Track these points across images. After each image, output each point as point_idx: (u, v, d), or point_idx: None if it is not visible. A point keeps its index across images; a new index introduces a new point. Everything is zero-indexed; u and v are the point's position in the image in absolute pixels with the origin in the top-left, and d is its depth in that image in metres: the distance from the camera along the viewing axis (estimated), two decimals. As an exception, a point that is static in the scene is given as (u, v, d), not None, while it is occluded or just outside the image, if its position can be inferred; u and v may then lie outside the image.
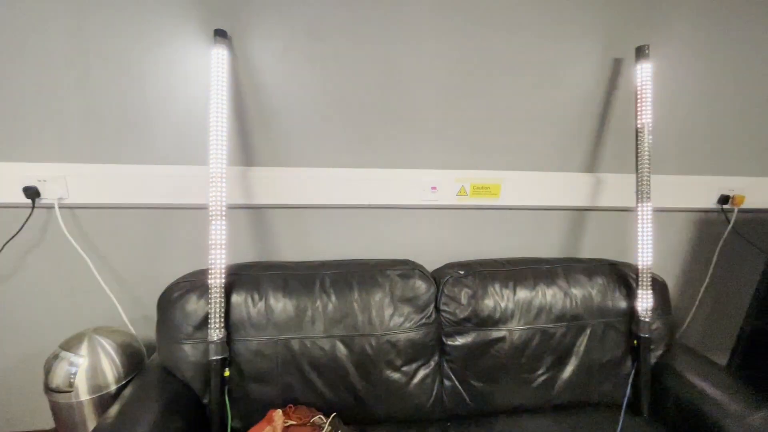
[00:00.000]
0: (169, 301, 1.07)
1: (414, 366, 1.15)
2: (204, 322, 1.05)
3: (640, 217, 1.20)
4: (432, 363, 1.17)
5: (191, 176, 1.16)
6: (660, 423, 1.20)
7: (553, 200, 1.36)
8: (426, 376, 1.16)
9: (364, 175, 1.26)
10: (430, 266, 1.31)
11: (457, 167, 1.31)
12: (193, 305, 1.06)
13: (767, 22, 1.29)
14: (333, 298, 1.11)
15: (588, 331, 1.22)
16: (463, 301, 1.18)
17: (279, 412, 0.98)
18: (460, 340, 1.17)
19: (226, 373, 1.03)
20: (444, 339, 1.18)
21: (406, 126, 1.24)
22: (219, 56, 1.02)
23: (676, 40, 1.27)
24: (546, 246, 1.44)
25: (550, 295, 1.21)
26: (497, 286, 1.20)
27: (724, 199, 1.43)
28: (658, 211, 1.44)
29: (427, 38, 1.16)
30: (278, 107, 1.16)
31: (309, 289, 1.11)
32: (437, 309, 1.19)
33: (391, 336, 1.12)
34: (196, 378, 1.05)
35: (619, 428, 1.14)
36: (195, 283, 1.09)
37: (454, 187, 1.30)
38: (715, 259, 1.52)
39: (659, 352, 1.27)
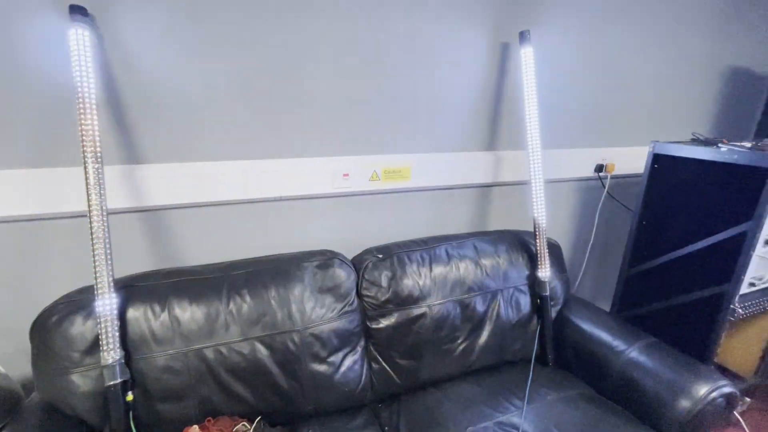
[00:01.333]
0: (45, 328, 0.91)
1: (341, 355, 1.14)
2: (95, 346, 0.92)
3: (533, 189, 1.32)
4: (358, 349, 1.17)
5: (60, 180, 1.00)
6: (563, 369, 1.36)
7: (460, 179, 1.44)
8: (354, 363, 1.16)
9: (272, 165, 1.20)
10: (350, 254, 1.31)
11: (367, 152, 1.31)
12: (79, 328, 0.92)
13: (634, 10, 1.50)
14: (247, 298, 1.05)
15: (499, 297, 1.33)
16: (384, 283, 1.19)
17: (195, 427, 0.91)
18: (383, 322, 1.19)
19: (129, 397, 0.92)
20: (368, 323, 1.19)
21: (312, 113, 1.20)
22: (79, 38, 0.88)
23: (555, 26, 1.41)
24: (457, 222, 1.52)
25: (463, 268, 1.29)
26: (415, 266, 1.24)
27: (599, 168, 1.65)
28: (549, 182, 1.61)
29: (326, 23, 1.13)
30: (166, 97, 1.05)
31: (218, 292, 1.04)
32: (359, 295, 1.19)
33: (315, 328, 1.10)
34: (93, 410, 0.92)
35: (529, 380, 1.26)
36: (79, 302, 0.95)
37: (367, 172, 1.31)
38: (596, 220, 1.75)
39: (558, 307, 1.43)
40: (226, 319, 1.02)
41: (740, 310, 1.20)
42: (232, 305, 1.03)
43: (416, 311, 1.22)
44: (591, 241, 1.78)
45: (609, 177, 1.67)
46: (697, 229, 1.26)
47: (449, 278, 1.26)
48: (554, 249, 1.44)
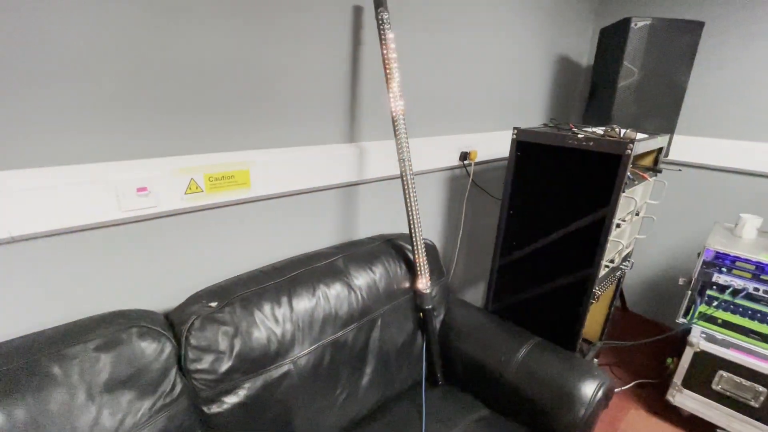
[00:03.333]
0: None
1: (160, 474, 0.73)
2: None
3: (405, 185, 1.10)
4: (191, 452, 0.78)
5: None
6: (455, 386, 1.22)
7: (318, 180, 1.13)
8: (185, 477, 0.76)
9: (-16, 186, 0.67)
10: (168, 306, 0.88)
11: (178, 152, 0.88)
12: None
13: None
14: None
15: (379, 322, 1.09)
16: (222, 346, 0.82)
17: None
18: (228, 402, 0.82)
19: None
20: (204, 409, 0.80)
21: (62, 94, 0.71)
22: None
23: (409, 12, 1.19)
24: (321, 235, 1.21)
25: (333, 298, 1.00)
26: (268, 309, 0.90)
27: (464, 156, 1.56)
28: (418, 174, 1.44)
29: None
30: None
31: None
32: (184, 372, 0.79)
33: (103, 454, 0.66)
34: None
35: (423, 412, 1.08)
36: None
37: (179, 182, 0.87)
38: (464, 210, 1.68)
39: (442, 316, 1.28)
40: None
41: (598, 292, 1.25)
42: None
43: (276, 372, 0.88)
44: (460, 233, 1.71)
45: (473, 164, 1.60)
46: (562, 215, 1.25)
47: (317, 315, 0.96)
48: (431, 251, 1.28)
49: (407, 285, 1.17)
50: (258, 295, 0.90)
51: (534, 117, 1.94)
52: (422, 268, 1.14)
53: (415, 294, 1.18)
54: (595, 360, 1.66)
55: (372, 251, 1.15)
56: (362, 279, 1.08)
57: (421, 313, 1.18)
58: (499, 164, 1.79)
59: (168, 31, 0.80)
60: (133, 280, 0.88)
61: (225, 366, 0.81)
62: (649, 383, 1.71)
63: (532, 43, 1.74)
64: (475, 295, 2.01)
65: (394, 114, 1.06)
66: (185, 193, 0.89)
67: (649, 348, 1.94)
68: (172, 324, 0.83)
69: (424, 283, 1.15)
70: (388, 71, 1.04)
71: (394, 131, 1.06)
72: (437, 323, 1.26)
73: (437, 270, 1.28)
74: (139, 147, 0.82)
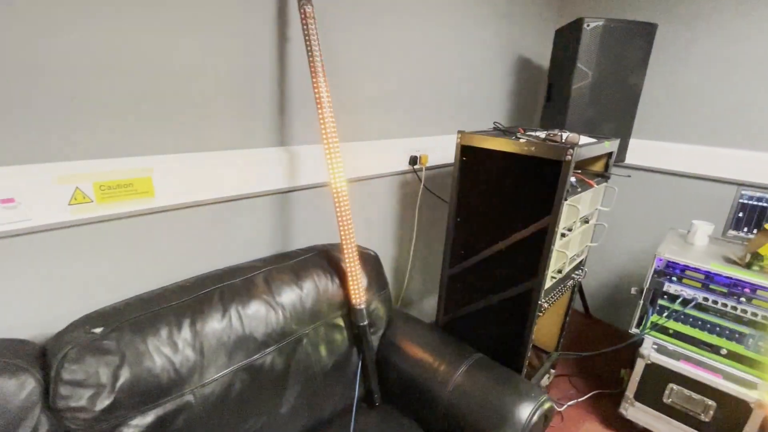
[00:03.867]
0: None
1: None
2: None
3: (334, 191, 1.02)
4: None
5: None
6: (392, 405, 1.15)
7: (241, 187, 1.04)
8: None
9: None
10: (48, 332, 0.77)
11: (57, 158, 0.77)
12: None
13: (419, -19, 1.31)
14: None
15: (305, 342, 1.01)
16: (103, 379, 0.72)
17: None
18: (110, 443, 0.72)
19: None
20: (79, 453, 0.70)
21: None
22: None
23: (353, 3, 1.11)
24: (245, 248, 1.12)
25: (249, 317, 0.91)
26: (164, 333, 0.80)
27: (414, 160, 1.48)
28: (361, 180, 1.36)
29: None
30: None
31: None
32: (52, 411, 0.69)
33: None
34: None
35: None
36: None
37: (60, 192, 0.77)
38: (416, 217, 1.60)
39: (381, 331, 1.20)
40: None
41: (545, 305, 1.19)
42: None
43: (172, 405, 0.78)
44: (413, 241, 1.63)
45: (424, 169, 1.53)
46: (509, 224, 1.19)
47: (227, 338, 0.87)
48: (371, 261, 1.20)
49: (341, 299, 1.09)
50: (154, 318, 0.81)
51: (491, 119, 1.88)
52: (355, 282, 1.06)
53: (350, 309, 1.10)
54: (552, 370, 1.61)
55: (301, 264, 1.06)
56: (286, 296, 0.99)
57: (357, 330, 1.10)
58: (451, 169, 1.72)
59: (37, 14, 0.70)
60: (6, 305, 0.78)
61: (106, 402, 0.71)
62: (607, 393, 1.67)
63: (490, 42, 1.68)
64: (431, 306, 1.94)
65: (320, 116, 0.97)
66: (69, 204, 0.79)
67: (608, 356, 1.90)
68: (45, 353, 0.73)
69: (358, 298, 1.07)
70: (313, 70, 0.95)
71: (322, 134, 0.98)
72: (377, 339, 1.18)
73: (378, 282, 1.20)
74: (9, 152, 0.72)
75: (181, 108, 0.90)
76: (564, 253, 1.18)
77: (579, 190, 1.13)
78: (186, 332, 0.82)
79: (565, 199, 1.04)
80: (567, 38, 1.55)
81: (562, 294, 1.34)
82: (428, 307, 1.93)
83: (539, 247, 1.11)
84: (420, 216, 1.62)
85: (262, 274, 0.99)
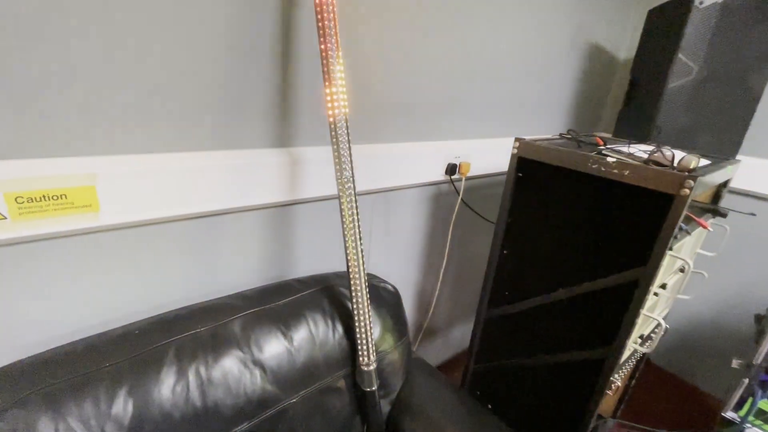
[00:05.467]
0: None
1: None
2: None
3: (343, 208, 0.75)
4: None
5: None
6: (400, 492, 0.89)
7: (227, 198, 0.79)
8: None
9: None
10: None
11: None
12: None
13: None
14: None
15: (290, 415, 0.76)
16: (-18, 484, 0.49)
17: None
18: None
19: None
20: None
21: None
22: None
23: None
24: (229, 277, 0.87)
25: (215, 383, 0.67)
26: (88, 408, 0.57)
27: (452, 169, 1.19)
28: (381, 191, 1.08)
29: None
30: None
31: None
32: None
33: None
34: None
35: None
36: None
37: (-46, 205, 0.55)
38: (449, 237, 1.31)
39: (395, 393, 0.94)
40: None
41: (617, 381, 0.88)
42: None
43: None
44: (444, 264, 1.35)
45: (464, 180, 1.23)
46: (575, 267, 0.88)
47: (181, 414, 0.63)
48: (389, 300, 0.94)
49: (343, 347, 0.83)
50: (79, 386, 0.58)
51: (552, 122, 1.54)
52: (364, 336, 0.79)
53: (356, 370, 0.84)
54: (605, 440, 1.29)
55: (294, 305, 0.81)
56: (270, 350, 0.74)
57: (362, 394, 0.85)
58: (500, 179, 1.41)
59: None
60: None
61: None
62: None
63: (554, 26, 1.34)
64: (460, 336, 1.66)
65: (330, 111, 0.70)
66: (-31, 222, 0.57)
67: (674, 411, 1.56)
68: None
69: (366, 356, 0.81)
70: (323, 49, 0.68)
71: (332, 135, 0.71)
72: (388, 403, 0.92)
73: (396, 329, 0.93)
74: None
75: (139, 89, 0.65)
76: (650, 317, 0.86)
77: (687, 232, 0.80)
78: (119, 406, 0.59)
79: (671, 248, 0.73)
80: (665, 21, 1.19)
81: (632, 365, 1.02)
82: (456, 337, 1.65)
83: (620, 304, 0.81)
84: (454, 235, 1.33)
85: (239, 319, 0.74)
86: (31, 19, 0.54)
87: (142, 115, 0.66)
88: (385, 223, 1.13)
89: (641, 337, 0.92)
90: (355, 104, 0.92)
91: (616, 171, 0.75)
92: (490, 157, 1.29)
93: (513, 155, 0.93)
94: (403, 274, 1.27)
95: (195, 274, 0.82)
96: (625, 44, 1.70)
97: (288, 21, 0.77)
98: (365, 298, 0.78)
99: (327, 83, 0.68)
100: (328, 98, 0.69)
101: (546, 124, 1.51)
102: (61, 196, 0.62)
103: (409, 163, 1.09)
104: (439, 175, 1.18)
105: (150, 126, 0.68)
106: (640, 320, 0.80)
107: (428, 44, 1.00)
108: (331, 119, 0.70)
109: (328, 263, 1.04)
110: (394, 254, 1.21)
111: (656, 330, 1.01)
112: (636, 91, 1.32)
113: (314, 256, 1.01)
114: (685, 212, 0.69)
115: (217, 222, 0.81)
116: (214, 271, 0.85)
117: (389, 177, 1.05)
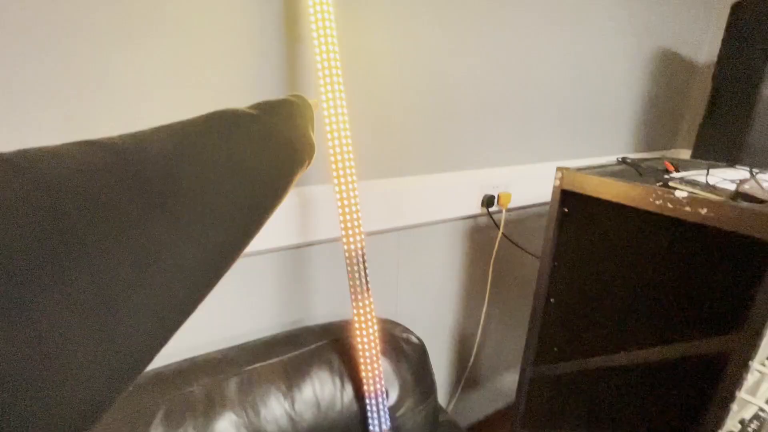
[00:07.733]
0: None
1: None
2: None
3: (347, 252, 0.67)
4: None
5: None
6: None
7: (227, 245, 0.75)
8: None
9: None
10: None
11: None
12: None
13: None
14: None
15: (288, 491, 0.67)
16: None
17: None
18: None
19: None
20: None
21: None
22: None
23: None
24: (229, 329, 0.82)
25: (201, 453, 0.61)
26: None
27: (489, 201, 1.06)
28: (409, 228, 0.98)
29: None
30: None
31: None
32: None
33: None
34: None
35: None
36: None
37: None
38: (489, 275, 1.16)
39: (418, 465, 0.81)
40: None
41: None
42: None
43: None
44: (485, 305, 1.19)
45: (504, 211, 1.09)
46: (640, 326, 0.71)
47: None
48: (412, 355, 0.82)
49: (355, 419, 0.73)
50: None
51: (613, 142, 1.34)
52: (374, 402, 0.69)
53: (367, 435, 0.74)
54: None
55: (301, 360, 0.73)
56: (267, 415, 0.66)
57: (377, 466, 0.73)
58: (546, 209, 1.24)
59: None
60: None
61: None
62: None
63: (616, 28, 1.17)
64: (510, 385, 1.46)
65: (330, 144, 0.64)
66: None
67: None
68: None
69: (378, 426, 0.70)
70: (320, 64, 0.62)
71: (333, 169, 0.64)
72: (409, 476, 0.80)
73: (419, 389, 0.81)
74: None
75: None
76: (750, 402, 0.64)
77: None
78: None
79: (776, 313, 0.54)
80: (754, 15, 0.98)
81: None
82: (506, 385, 1.46)
83: (707, 380, 0.61)
84: (495, 272, 1.18)
85: (238, 376, 0.68)
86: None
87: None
88: (414, 262, 1.03)
89: (742, 423, 0.69)
90: (377, 137, 0.85)
91: (688, 209, 0.58)
92: (536, 185, 1.13)
93: (555, 188, 0.78)
94: (436, 320, 1.15)
95: (203, 321, 0.78)
96: (704, 45, 1.45)
97: (293, 59, 0.72)
98: (374, 353, 0.68)
99: (328, 110, 0.62)
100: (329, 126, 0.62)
101: (606, 145, 1.32)
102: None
103: (440, 196, 0.98)
104: (475, 207, 1.05)
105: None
106: (736, 406, 0.60)
107: (451, 62, 0.90)
108: (333, 149, 0.63)
109: (344, 308, 0.95)
110: (425, 297, 1.09)
111: (762, 414, 0.77)
112: (720, 101, 1.09)
113: (327, 303, 0.93)
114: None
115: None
116: (222, 317, 0.80)
117: (418, 212, 0.95)
